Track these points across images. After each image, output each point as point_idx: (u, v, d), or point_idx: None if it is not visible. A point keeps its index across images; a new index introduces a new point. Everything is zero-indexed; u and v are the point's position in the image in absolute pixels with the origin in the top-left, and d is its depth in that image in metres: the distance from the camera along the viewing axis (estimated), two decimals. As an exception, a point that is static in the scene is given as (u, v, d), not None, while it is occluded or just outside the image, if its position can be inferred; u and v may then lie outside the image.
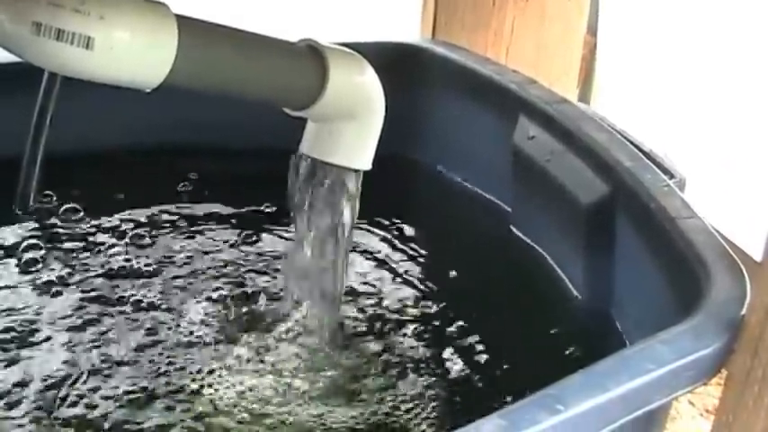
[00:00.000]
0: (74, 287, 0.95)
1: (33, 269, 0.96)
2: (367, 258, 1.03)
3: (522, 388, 0.82)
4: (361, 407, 0.83)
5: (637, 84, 1.81)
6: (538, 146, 1.02)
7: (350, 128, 0.84)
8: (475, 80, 1.11)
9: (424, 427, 0.82)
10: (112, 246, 1.01)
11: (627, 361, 0.66)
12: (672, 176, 0.93)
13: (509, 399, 0.84)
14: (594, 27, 1.77)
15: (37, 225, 1.02)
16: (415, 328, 0.93)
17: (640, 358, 0.66)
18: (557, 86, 1.16)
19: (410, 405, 0.84)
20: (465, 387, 0.87)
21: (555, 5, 1.47)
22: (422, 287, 1.00)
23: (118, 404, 0.81)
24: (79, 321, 0.90)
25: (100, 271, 0.97)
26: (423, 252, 1.05)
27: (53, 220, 1.03)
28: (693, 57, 1.73)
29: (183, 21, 0.72)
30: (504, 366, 0.89)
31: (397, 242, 1.06)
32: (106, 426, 0.79)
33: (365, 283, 0.99)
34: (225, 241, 1.04)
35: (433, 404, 0.84)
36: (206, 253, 1.02)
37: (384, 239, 1.07)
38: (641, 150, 0.95)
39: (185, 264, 1.00)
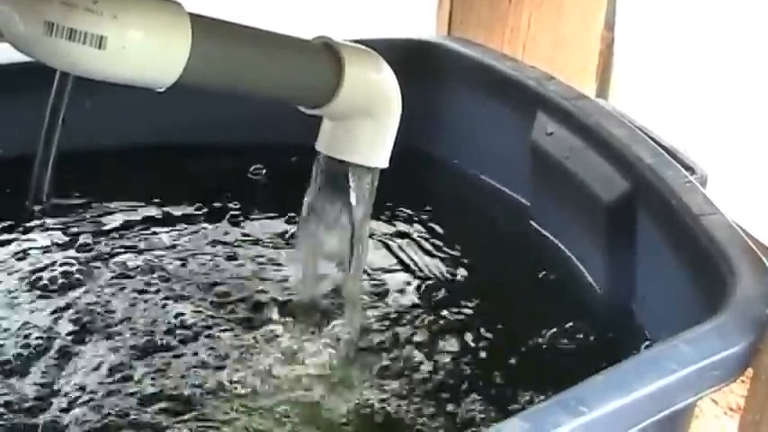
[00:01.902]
0: (85, 283, 0.94)
1: (47, 263, 0.96)
2: (384, 253, 1.03)
3: (543, 384, 0.83)
4: (373, 402, 0.83)
5: (655, 79, 1.80)
6: (557, 142, 1.01)
7: (366, 126, 0.84)
8: (492, 76, 1.10)
9: (441, 426, 0.81)
10: (124, 241, 1.01)
11: (651, 361, 0.65)
12: (693, 172, 0.91)
13: (529, 395, 0.83)
14: (612, 22, 1.76)
15: (50, 220, 1.01)
16: (432, 322, 0.93)
17: (664, 358, 0.65)
18: (574, 82, 1.15)
19: (425, 402, 0.83)
20: (483, 383, 0.86)
21: (572, 1, 1.46)
22: (440, 280, 0.99)
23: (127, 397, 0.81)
24: (89, 321, 0.90)
25: (112, 266, 0.97)
26: (440, 245, 1.04)
27: (67, 216, 1.03)
28: (711, 51, 1.71)
29: (196, 19, 0.71)
30: (524, 361, 0.88)
31: (414, 236, 1.06)
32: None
33: (382, 278, 0.99)
34: (239, 239, 1.03)
35: (450, 401, 0.83)
36: (217, 251, 1.01)
37: (401, 234, 1.06)
38: (661, 146, 0.94)
39: (194, 260, 0.99)
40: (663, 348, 0.66)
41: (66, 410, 0.80)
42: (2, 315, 0.89)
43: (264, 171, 1.12)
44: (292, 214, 1.05)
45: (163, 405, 0.81)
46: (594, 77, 1.58)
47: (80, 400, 0.81)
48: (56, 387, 0.82)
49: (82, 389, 0.82)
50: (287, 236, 1.04)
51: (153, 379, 0.84)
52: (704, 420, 1.33)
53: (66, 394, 0.81)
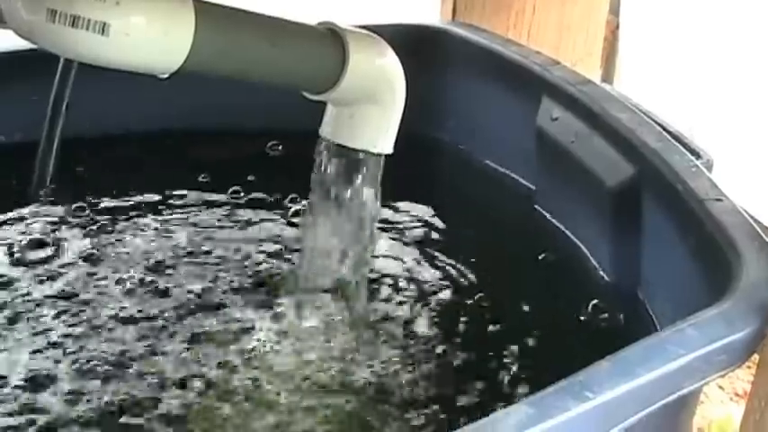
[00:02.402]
0: (91, 268, 0.94)
1: (48, 249, 0.96)
2: (390, 238, 1.03)
3: (549, 369, 0.83)
4: (380, 389, 0.83)
5: (660, 64, 1.79)
6: (562, 127, 1.01)
7: (371, 111, 0.83)
8: (497, 61, 1.10)
9: (448, 411, 0.81)
10: (130, 227, 1.01)
11: (657, 346, 0.65)
12: (699, 157, 0.91)
13: (535, 380, 0.83)
14: (617, 7, 1.75)
15: (53, 207, 1.01)
16: (438, 307, 0.93)
17: (671, 343, 0.65)
18: (579, 67, 1.14)
19: (432, 389, 0.83)
20: (490, 369, 0.86)
21: (577, -15, 1.45)
22: (446, 265, 0.99)
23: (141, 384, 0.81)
24: (94, 307, 0.90)
25: (117, 251, 0.97)
26: (445, 230, 1.05)
27: (70, 202, 1.02)
28: (717, 36, 1.71)
29: (199, 5, 0.71)
30: (530, 346, 0.88)
31: (420, 221, 1.06)
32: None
33: (388, 263, 0.99)
34: (246, 224, 1.03)
35: (457, 387, 0.83)
36: (224, 236, 1.01)
37: (407, 218, 1.06)
38: (667, 131, 0.94)
39: (202, 239, 1.00)
40: (669, 333, 0.66)
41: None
42: (3, 298, 0.90)
43: (274, 155, 1.12)
44: (300, 199, 1.05)
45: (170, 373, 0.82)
46: (600, 62, 1.57)
47: (90, 374, 0.82)
48: (70, 356, 0.83)
49: (89, 361, 0.83)
50: (294, 219, 1.04)
51: (166, 354, 0.85)
52: (710, 406, 1.33)
53: (72, 364, 0.82)
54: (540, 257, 1.00)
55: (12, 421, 0.76)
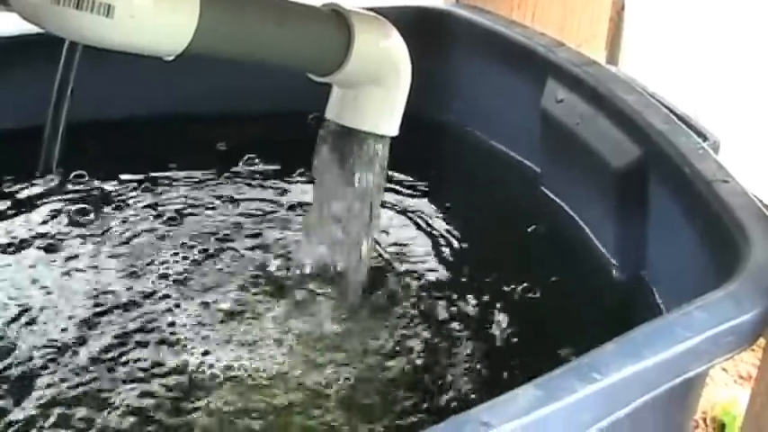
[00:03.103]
0: (99, 253, 0.95)
1: (58, 231, 0.96)
2: (395, 219, 1.03)
3: (554, 351, 0.83)
4: (386, 373, 0.83)
5: (665, 46, 1.78)
6: (567, 109, 1.01)
7: (376, 93, 0.83)
8: (502, 43, 1.10)
9: (455, 395, 0.81)
10: (134, 207, 1.01)
11: (664, 328, 0.65)
12: (706, 139, 0.91)
13: (540, 361, 0.83)
14: (622, -12, 1.74)
15: (60, 190, 1.02)
16: (444, 289, 0.93)
17: (678, 325, 0.64)
18: (584, 49, 1.14)
19: (438, 372, 0.83)
20: (495, 351, 0.86)
21: (581, -33, 1.44)
22: (452, 246, 0.99)
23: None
24: (107, 290, 0.90)
25: (126, 235, 0.97)
26: (451, 210, 1.05)
27: (76, 186, 1.03)
28: (722, 17, 1.70)
29: (204, -14, 0.71)
30: (535, 328, 0.89)
31: (424, 201, 1.06)
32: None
33: (393, 245, 0.99)
34: (255, 208, 1.04)
35: (463, 370, 0.84)
36: (234, 219, 1.02)
37: (413, 200, 1.06)
38: (673, 113, 0.94)
39: (207, 220, 1.00)
40: (676, 315, 0.66)
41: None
42: (11, 280, 0.90)
43: (277, 138, 1.12)
44: (304, 179, 1.06)
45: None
46: (605, 44, 1.57)
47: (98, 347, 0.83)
48: (87, 329, 0.85)
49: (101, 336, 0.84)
50: (297, 200, 1.04)
51: (172, 325, 0.86)
52: (714, 388, 1.33)
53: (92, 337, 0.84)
54: (544, 238, 1.00)
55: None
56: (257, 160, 1.10)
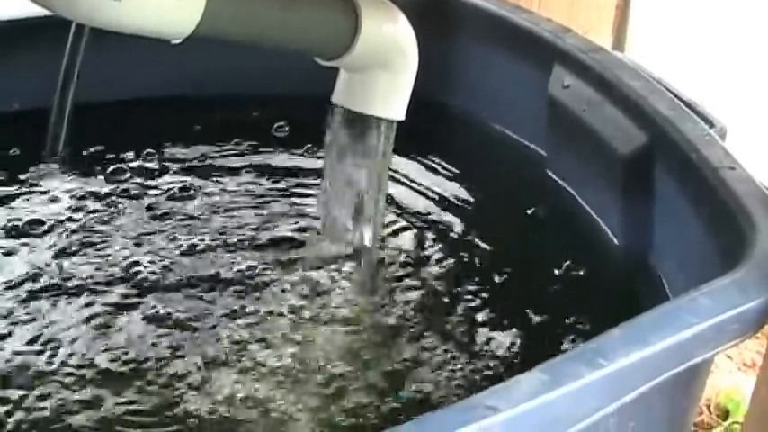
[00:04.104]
0: (104, 231, 0.95)
1: (64, 213, 0.96)
2: (401, 204, 1.03)
3: (560, 336, 0.83)
4: (392, 355, 0.83)
5: (672, 32, 1.78)
6: (573, 95, 1.00)
7: (383, 77, 0.83)
8: (508, 29, 1.09)
9: (460, 380, 0.81)
10: (140, 188, 1.02)
11: (670, 314, 0.64)
12: (712, 125, 0.90)
13: (547, 347, 0.84)
14: (628, -26, 1.74)
15: (67, 171, 1.02)
16: (451, 274, 0.93)
17: (683, 311, 0.64)
18: (590, 35, 1.13)
19: (445, 356, 0.83)
20: (500, 335, 0.86)
21: (588, -48, 1.44)
22: (458, 230, 0.99)
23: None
24: (120, 270, 0.91)
25: (131, 213, 0.98)
26: (458, 194, 1.05)
27: (83, 167, 1.03)
28: (729, 3, 1.69)
29: (212, -31, 0.71)
30: (542, 312, 0.88)
31: (431, 186, 1.06)
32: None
33: (399, 229, 0.99)
34: (264, 188, 1.04)
35: (469, 355, 0.84)
36: (241, 196, 1.02)
37: (419, 184, 1.06)
38: (680, 99, 0.93)
39: (223, 209, 1.00)
40: (682, 301, 0.66)
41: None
42: (17, 262, 0.90)
43: (286, 122, 1.12)
44: (314, 162, 1.06)
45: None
46: (611, 30, 1.57)
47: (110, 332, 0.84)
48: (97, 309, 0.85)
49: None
50: (306, 182, 1.04)
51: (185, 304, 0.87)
52: (718, 375, 1.33)
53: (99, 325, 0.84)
54: (550, 222, 1.00)
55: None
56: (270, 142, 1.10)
